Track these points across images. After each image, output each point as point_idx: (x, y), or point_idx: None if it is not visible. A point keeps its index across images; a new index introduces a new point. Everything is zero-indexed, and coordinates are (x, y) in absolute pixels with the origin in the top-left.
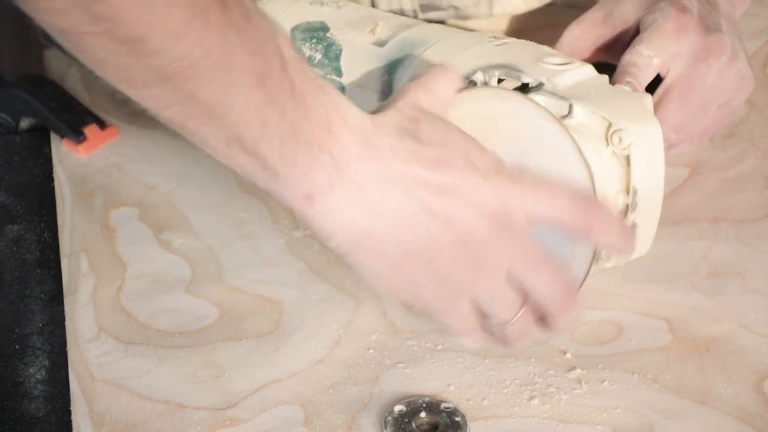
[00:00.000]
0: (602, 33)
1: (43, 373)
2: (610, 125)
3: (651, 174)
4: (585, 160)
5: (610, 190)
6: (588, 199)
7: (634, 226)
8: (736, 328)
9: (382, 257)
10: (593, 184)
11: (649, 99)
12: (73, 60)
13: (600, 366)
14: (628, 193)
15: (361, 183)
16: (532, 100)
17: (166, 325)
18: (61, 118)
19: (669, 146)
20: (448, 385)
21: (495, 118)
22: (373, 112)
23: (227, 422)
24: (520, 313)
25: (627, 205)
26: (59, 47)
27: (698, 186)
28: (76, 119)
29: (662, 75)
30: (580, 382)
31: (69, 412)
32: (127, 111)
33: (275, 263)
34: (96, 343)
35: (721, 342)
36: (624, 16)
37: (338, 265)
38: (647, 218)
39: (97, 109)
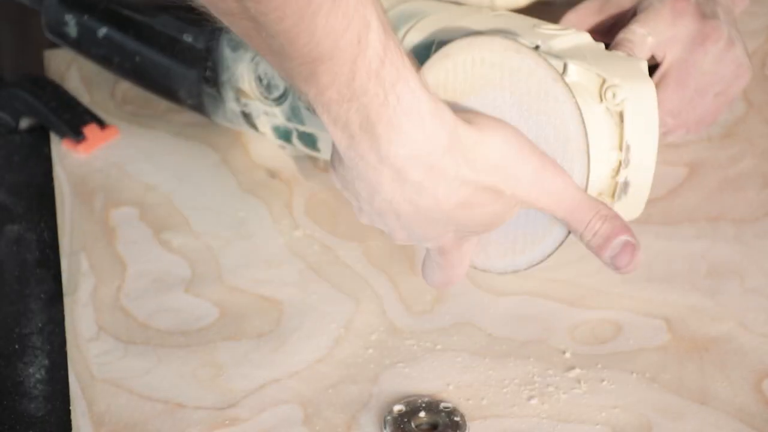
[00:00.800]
0: (599, 20)
1: (43, 373)
2: (604, 81)
3: (644, 132)
4: (584, 124)
5: (603, 146)
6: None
7: (626, 184)
8: (735, 328)
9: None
10: (588, 146)
11: (644, 63)
12: (73, 60)
13: (599, 365)
14: (620, 149)
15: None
16: (545, 59)
17: (165, 325)
18: (61, 118)
19: (665, 132)
20: (448, 384)
21: (504, 68)
22: None
23: (227, 422)
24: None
25: (620, 162)
26: (60, 44)
27: (697, 185)
28: (75, 119)
29: (659, 60)
30: (579, 382)
31: (68, 412)
32: (127, 111)
33: (275, 263)
34: (96, 343)
35: (720, 341)
36: (620, 2)
37: (338, 265)
38: (640, 177)
39: (97, 109)
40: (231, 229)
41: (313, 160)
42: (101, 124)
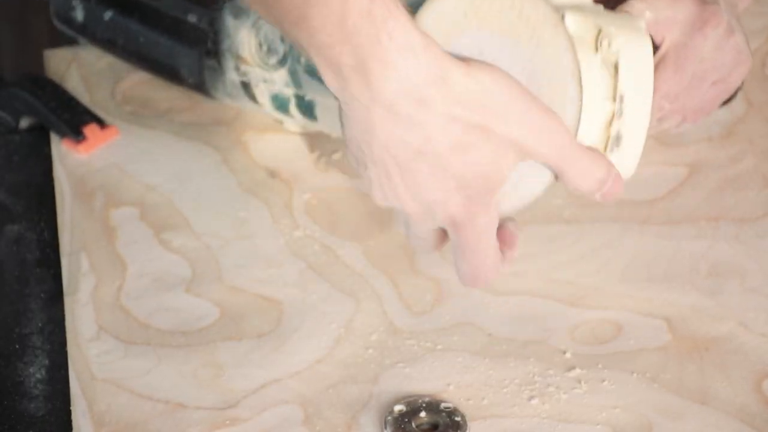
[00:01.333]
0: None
1: (43, 373)
2: (600, 31)
3: (639, 84)
4: (579, 71)
5: (597, 96)
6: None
7: (619, 136)
8: (735, 328)
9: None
10: (581, 93)
11: (642, 21)
12: (73, 60)
13: (599, 365)
14: (614, 100)
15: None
16: (547, 2)
17: (166, 325)
18: (61, 118)
19: (661, 117)
20: (448, 384)
21: (501, 11)
22: None
23: (227, 422)
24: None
25: (613, 112)
26: (66, 31)
27: (697, 185)
28: (75, 119)
29: (657, 43)
30: (579, 382)
31: (69, 412)
32: (127, 111)
33: (275, 263)
34: (96, 343)
35: (720, 341)
36: None
37: (338, 265)
38: (633, 131)
39: (97, 108)
40: (231, 229)
41: (313, 160)
42: (101, 124)
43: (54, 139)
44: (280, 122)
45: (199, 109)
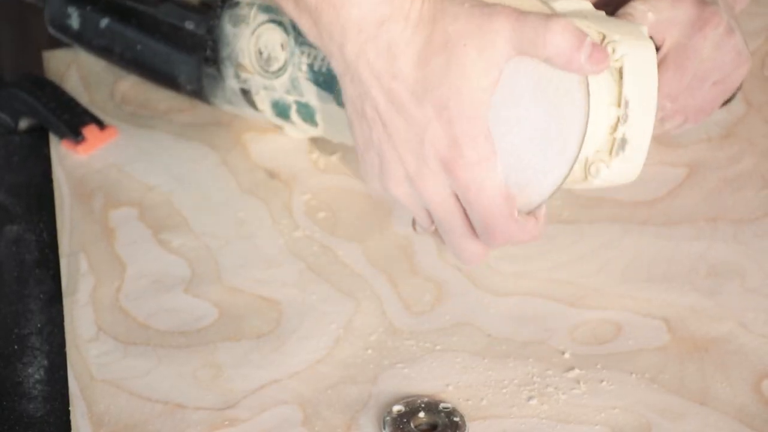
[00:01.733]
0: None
1: (42, 373)
2: (604, 37)
3: (643, 89)
4: (588, 85)
5: (602, 101)
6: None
7: (624, 140)
8: (734, 328)
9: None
10: (588, 104)
11: (644, 27)
12: (72, 60)
13: (599, 366)
14: (619, 105)
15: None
16: (552, 7)
17: (165, 325)
18: (61, 119)
19: (663, 117)
20: (447, 385)
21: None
22: None
23: (226, 422)
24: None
25: (618, 117)
26: (61, 38)
27: (696, 186)
28: (75, 119)
29: (658, 44)
30: (578, 382)
31: (68, 413)
32: (126, 111)
33: (275, 263)
34: (95, 344)
35: (719, 342)
36: None
37: (338, 266)
38: (638, 135)
39: (97, 109)
40: (231, 229)
41: (313, 160)
42: (100, 124)
43: (53, 139)
44: (281, 127)
45: (199, 109)
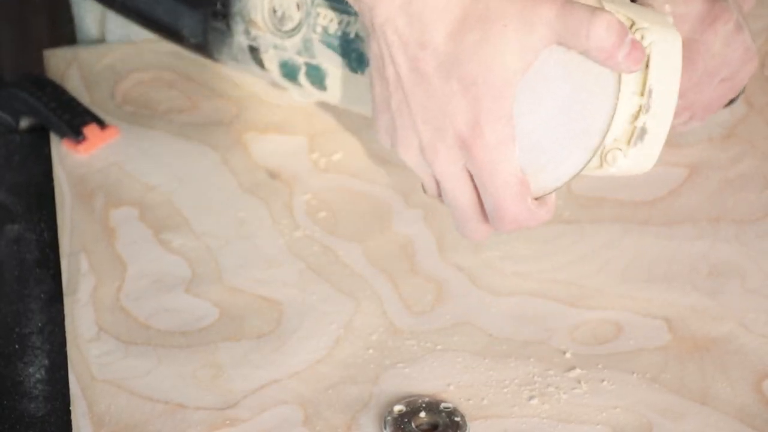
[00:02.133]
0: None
1: (43, 373)
2: (633, 23)
3: (667, 80)
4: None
5: (627, 90)
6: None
7: (643, 130)
8: (735, 328)
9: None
10: (619, 92)
11: (670, 18)
12: (73, 60)
13: (599, 366)
14: (643, 94)
15: None
16: (598, 1)
17: (166, 325)
18: (61, 118)
19: None
20: (448, 384)
21: None
22: None
23: (227, 422)
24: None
25: (640, 106)
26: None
27: (698, 186)
28: (76, 119)
29: None
30: (579, 382)
31: (68, 412)
32: (127, 111)
33: (275, 263)
34: (96, 343)
35: (720, 342)
36: None
37: (338, 266)
38: (658, 126)
39: (97, 109)
40: (231, 230)
41: (314, 160)
42: (101, 124)
43: (54, 139)
44: (285, 89)
45: (199, 109)
